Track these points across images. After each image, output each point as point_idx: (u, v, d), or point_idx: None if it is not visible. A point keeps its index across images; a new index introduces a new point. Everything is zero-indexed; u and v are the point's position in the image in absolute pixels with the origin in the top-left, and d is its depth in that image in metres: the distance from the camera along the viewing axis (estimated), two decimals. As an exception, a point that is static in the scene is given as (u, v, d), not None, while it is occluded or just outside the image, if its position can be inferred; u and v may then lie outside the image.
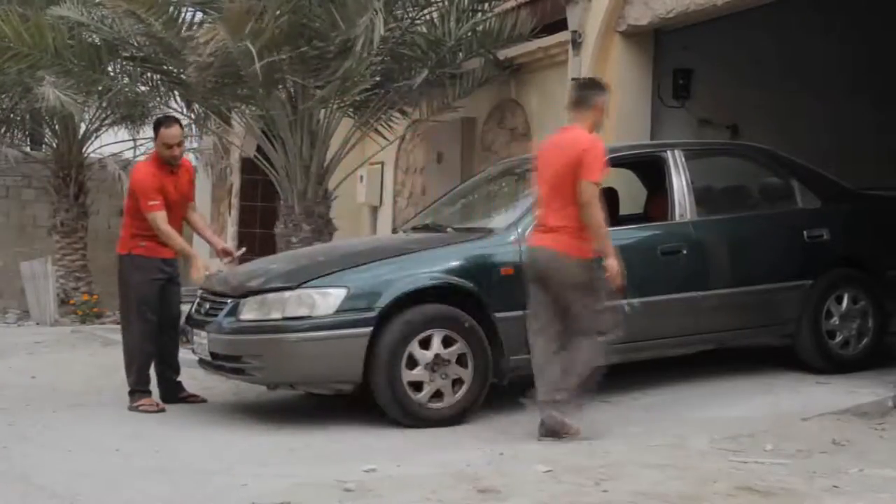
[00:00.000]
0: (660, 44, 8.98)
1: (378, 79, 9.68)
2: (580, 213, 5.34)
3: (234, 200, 14.93)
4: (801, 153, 7.46)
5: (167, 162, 6.69)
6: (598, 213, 5.33)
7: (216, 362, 6.19)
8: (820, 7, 8.96)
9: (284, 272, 6.28)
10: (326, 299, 5.76)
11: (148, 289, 6.62)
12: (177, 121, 7.04)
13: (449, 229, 6.75)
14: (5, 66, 10.24)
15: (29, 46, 9.78)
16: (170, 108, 11.56)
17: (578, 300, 5.36)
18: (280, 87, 9.63)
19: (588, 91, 5.69)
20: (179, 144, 6.76)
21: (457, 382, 5.84)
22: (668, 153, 6.81)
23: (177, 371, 6.84)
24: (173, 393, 6.77)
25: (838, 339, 6.84)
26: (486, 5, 10.11)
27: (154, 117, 13.74)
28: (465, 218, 7.32)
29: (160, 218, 6.51)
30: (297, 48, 9.28)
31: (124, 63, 10.78)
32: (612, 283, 5.36)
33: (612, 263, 5.33)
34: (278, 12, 8.89)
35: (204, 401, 6.78)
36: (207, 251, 8.17)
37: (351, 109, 10.09)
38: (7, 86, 12.46)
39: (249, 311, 5.93)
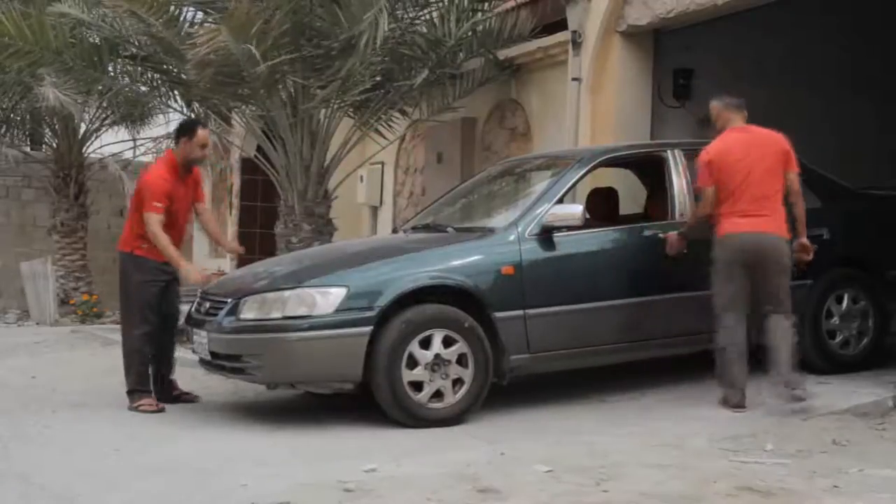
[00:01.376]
0: (660, 44, 8.98)
1: (378, 79, 9.67)
2: (785, 200, 6.06)
3: (234, 200, 14.91)
4: (801, 153, 7.43)
5: (193, 163, 6.75)
6: (802, 199, 6.17)
7: (216, 362, 6.18)
8: (820, 7, 8.95)
9: (285, 273, 6.29)
10: (327, 298, 5.75)
11: (150, 290, 6.63)
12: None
13: (449, 229, 6.75)
14: (6, 63, 10.23)
15: (30, 44, 9.77)
16: (170, 108, 11.57)
17: (784, 279, 5.96)
18: (281, 87, 9.62)
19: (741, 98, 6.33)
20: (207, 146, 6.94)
21: (457, 382, 5.83)
22: (668, 153, 6.82)
23: (171, 369, 6.86)
24: (168, 391, 6.77)
25: (838, 338, 6.85)
26: (486, 5, 10.11)
27: (154, 117, 13.87)
28: (466, 217, 7.31)
29: (154, 220, 6.51)
30: (299, 48, 9.28)
31: (125, 62, 10.77)
32: (807, 258, 6.17)
33: (806, 241, 6.13)
34: (278, 11, 8.88)
35: (197, 397, 6.80)
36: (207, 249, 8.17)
37: (351, 109, 10.08)
38: (7, 85, 12.45)
39: (249, 311, 5.92)
